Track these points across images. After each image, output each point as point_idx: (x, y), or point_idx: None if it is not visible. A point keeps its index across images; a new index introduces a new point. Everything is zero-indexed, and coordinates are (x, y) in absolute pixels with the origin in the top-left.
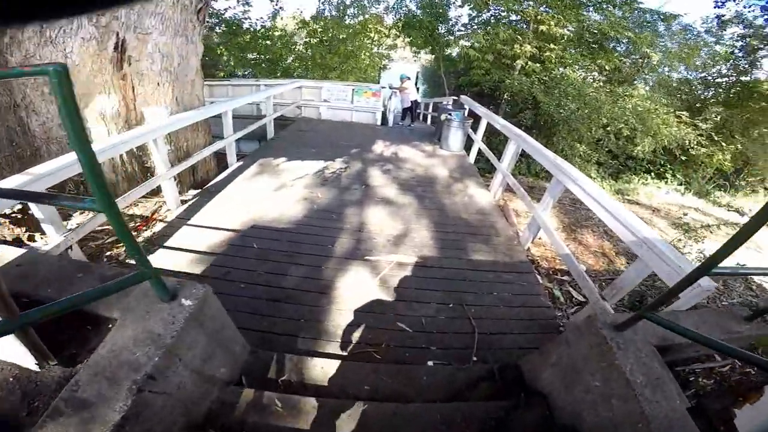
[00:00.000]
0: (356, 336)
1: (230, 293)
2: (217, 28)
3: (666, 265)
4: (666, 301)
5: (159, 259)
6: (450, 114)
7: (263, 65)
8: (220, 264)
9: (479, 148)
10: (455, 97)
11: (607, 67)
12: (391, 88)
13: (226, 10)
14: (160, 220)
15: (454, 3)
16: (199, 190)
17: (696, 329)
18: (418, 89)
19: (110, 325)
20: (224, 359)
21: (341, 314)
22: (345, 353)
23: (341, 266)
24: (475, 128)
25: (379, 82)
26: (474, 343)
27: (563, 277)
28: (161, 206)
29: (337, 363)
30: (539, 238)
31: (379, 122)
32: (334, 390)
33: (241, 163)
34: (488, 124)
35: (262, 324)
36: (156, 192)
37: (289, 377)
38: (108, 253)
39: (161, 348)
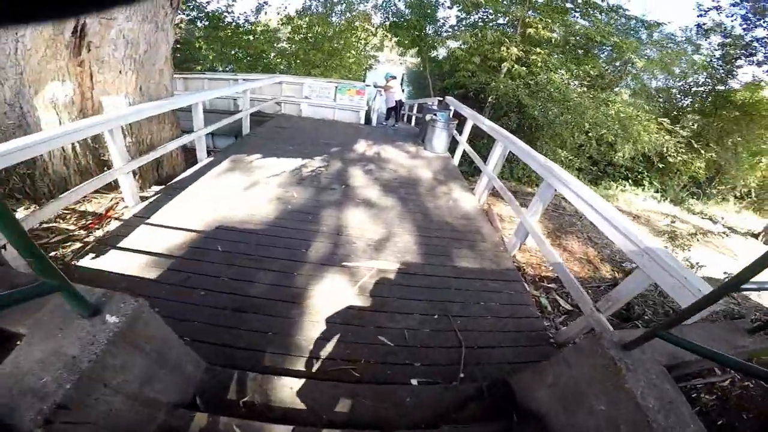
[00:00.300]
0: (331, 351)
1: (188, 301)
2: (198, 21)
3: (670, 276)
4: (686, 318)
5: (110, 262)
6: (435, 114)
7: (245, 61)
8: (179, 268)
9: (464, 150)
10: (440, 98)
11: (591, 73)
12: (375, 87)
13: (208, 2)
14: (116, 218)
15: (443, 4)
16: (163, 186)
17: (704, 344)
18: (403, 90)
19: (18, 342)
20: (171, 380)
21: (314, 326)
22: (318, 371)
23: (316, 273)
24: (460, 130)
25: (364, 81)
26: (461, 358)
27: (550, 285)
28: (118, 203)
29: (309, 382)
30: (524, 244)
31: (362, 121)
32: (305, 414)
33: (211, 158)
34: (474, 125)
35: (223, 337)
36: (114, 187)
37: (252, 398)
38: (53, 253)
39: (76, 373)
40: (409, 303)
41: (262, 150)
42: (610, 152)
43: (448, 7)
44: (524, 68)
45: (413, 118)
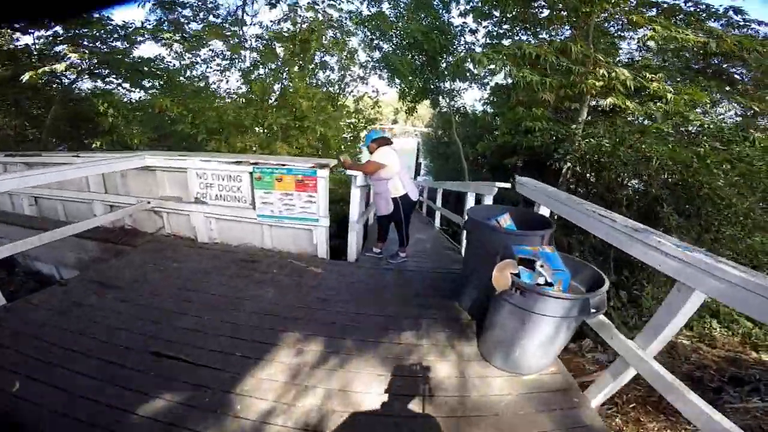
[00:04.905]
0: None
1: None
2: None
3: None
4: None
5: None
6: (530, 261)
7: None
8: None
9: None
10: (506, 184)
11: (753, 106)
12: (345, 167)
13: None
14: None
15: (463, 28)
16: None
17: None
18: (418, 168)
19: None
20: None
21: None
22: None
23: None
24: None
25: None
26: None
27: None
28: None
29: None
30: None
31: (325, 251)
32: None
33: None
34: None
35: None
36: None
37: None
38: None
39: None
40: None
41: None
42: None
43: (471, 31)
44: (646, 105)
45: (437, 215)
